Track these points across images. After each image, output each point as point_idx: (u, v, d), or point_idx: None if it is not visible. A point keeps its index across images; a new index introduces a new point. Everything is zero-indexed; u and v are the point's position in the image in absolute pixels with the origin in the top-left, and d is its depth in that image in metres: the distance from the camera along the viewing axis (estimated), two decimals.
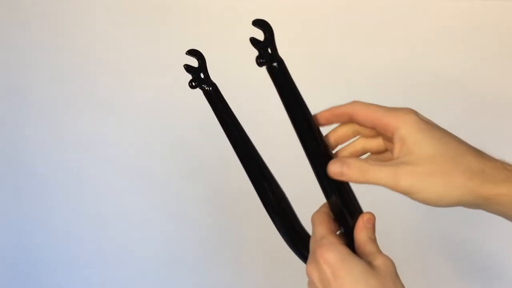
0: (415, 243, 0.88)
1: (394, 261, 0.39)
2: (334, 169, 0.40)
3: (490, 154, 0.39)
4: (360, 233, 0.41)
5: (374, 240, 0.41)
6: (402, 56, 0.82)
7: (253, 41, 0.42)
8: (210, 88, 0.45)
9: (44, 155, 1.01)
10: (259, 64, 0.43)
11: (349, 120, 0.43)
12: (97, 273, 1.06)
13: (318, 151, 0.43)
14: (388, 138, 0.42)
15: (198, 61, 0.44)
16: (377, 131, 0.43)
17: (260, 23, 0.42)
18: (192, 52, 0.44)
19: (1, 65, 0.98)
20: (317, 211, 0.44)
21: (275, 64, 0.43)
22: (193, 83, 0.44)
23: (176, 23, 0.90)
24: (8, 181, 1.04)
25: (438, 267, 0.87)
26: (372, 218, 0.42)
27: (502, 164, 0.38)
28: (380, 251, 0.40)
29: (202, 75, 0.45)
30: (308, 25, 0.83)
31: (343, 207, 0.43)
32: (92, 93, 0.95)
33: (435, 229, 0.86)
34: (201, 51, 0.43)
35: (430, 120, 0.41)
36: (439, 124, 0.41)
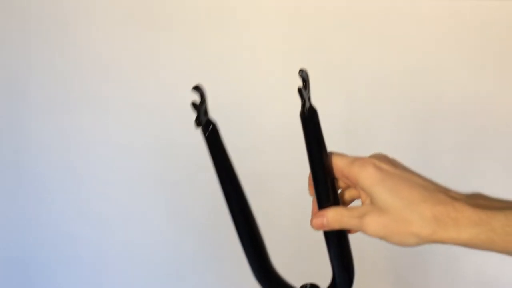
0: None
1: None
2: (316, 223, 0.45)
3: (445, 191, 0.42)
4: None
5: None
6: (402, 56, 0.82)
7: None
8: (210, 128, 0.44)
9: (44, 155, 1.01)
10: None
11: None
12: (96, 273, 1.06)
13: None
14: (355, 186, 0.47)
15: (201, 99, 0.43)
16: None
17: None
18: (196, 89, 0.43)
19: (0, 65, 0.98)
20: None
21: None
22: (199, 122, 0.43)
23: (177, 24, 0.90)
24: (8, 180, 1.04)
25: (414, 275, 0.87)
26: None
27: (453, 207, 0.40)
28: None
29: (203, 114, 0.44)
30: (308, 25, 0.83)
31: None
32: (93, 93, 0.94)
33: None
34: (203, 88, 0.43)
35: (388, 167, 0.44)
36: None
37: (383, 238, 0.42)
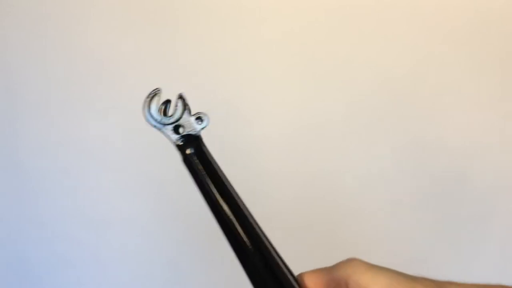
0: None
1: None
2: None
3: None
4: None
5: None
6: (403, 56, 0.82)
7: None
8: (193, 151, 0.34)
9: (41, 156, 1.00)
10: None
11: None
12: (93, 275, 1.06)
13: None
14: None
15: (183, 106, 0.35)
16: None
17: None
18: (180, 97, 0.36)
19: None
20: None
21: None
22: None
23: (177, 24, 0.90)
24: (4, 181, 1.04)
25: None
26: None
27: None
28: None
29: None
30: (308, 25, 0.83)
31: None
32: (92, 94, 0.94)
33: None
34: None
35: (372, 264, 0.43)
36: None
37: None
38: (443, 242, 0.85)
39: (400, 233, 0.88)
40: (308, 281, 0.44)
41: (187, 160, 0.34)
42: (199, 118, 0.34)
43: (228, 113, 0.86)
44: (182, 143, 0.34)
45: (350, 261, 0.43)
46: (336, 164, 0.88)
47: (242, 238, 0.35)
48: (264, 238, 0.36)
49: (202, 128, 0.34)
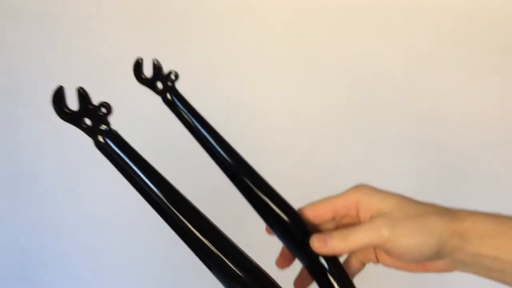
0: None
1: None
2: (318, 242, 0.40)
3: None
4: None
5: None
6: (403, 55, 0.82)
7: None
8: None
9: (41, 156, 1.00)
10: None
11: (312, 220, 0.44)
12: (93, 275, 1.05)
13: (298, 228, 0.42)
14: (351, 217, 0.43)
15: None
16: (337, 217, 0.44)
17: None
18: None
19: None
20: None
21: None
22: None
23: (177, 24, 0.90)
24: (4, 181, 1.04)
25: None
26: None
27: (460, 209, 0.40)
28: None
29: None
30: (308, 24, 0.83)
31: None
32: (91, 94, 0.94)
33: None
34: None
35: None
36: None
37: (398, 238, 0.38)
38: None
39: None
40: (309, 213, 0.43)
41: (98, 146, 0.36)
42: (102, 106, 0.36)
43: (228, 112, 0.86)
44: (92, 130, 0.35)
45: (358, 187, 0.43)
46: (337, 163, 0.88)
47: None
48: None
49: (107, 114, 0.36)
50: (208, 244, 0.37)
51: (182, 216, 0.38)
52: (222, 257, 0.36)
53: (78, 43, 0.93)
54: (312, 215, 0.43)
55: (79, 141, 0.98)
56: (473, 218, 0.38)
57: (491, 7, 0.78)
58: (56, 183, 1.02)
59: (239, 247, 0.37)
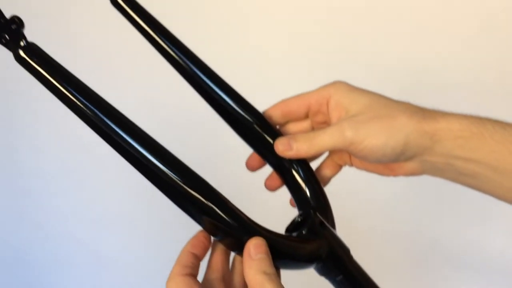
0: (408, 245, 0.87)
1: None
2: (282, 145, 0.39)
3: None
4: (249, 270, 0.31)
5: (270, 275, 0.31)
6: (404, 55, 0.82)
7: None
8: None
9: (41, 156, 1.00)
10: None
11: (284, 118, 0.43)
12: (92, 275, 1.05)
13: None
14: (323, 114, 0.42)
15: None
16: (310, 114, 0.43)
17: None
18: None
19: None
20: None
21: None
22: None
23: (176, 24, 0.89)
24: (4, 181, 1.04)
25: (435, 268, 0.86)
26: (262, 244, 0.32)
27: (437, 112, 0.38)
28: None
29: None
30: (311, 26, 0.83)
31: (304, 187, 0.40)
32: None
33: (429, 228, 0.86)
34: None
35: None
36: None
37: (363, 139, 0.37)
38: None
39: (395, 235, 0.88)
40: (282, 109, 0.42)
41: (18, 60, 0.35)
42: (12, 21, 0.34)
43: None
44: (11, 45, 0.34)
45: (334, 83, 0.42)
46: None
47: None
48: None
49: (18, 28, 0.34)
50: (143, 152, 0.34)
51: (116, 126, 0.34)
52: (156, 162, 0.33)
53: (78, 42, 0.93)
54: (285, 111, 0.42)
55: (80, 141, 0.98)
56: (449, 119, 0.37)
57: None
58: (56, 182, 1.02)
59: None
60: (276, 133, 0.42)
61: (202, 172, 0.34)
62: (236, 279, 0.36)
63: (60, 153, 0.99)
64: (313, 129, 0.44)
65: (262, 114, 0.42)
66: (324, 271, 0.37)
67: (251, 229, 0.33)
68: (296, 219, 0.39)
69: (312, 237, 0.36)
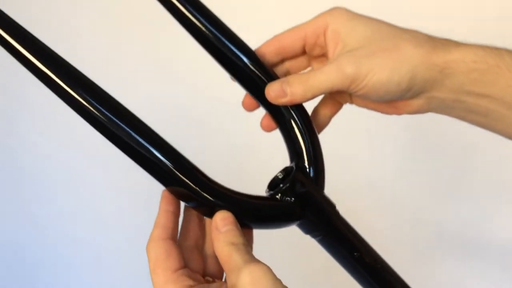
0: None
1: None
2: (274, 92, 0.35)
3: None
4: (217, 243, 0.31)
5: (238, 245, 0.31)
6: None
7: None
8: None
9: (41, 156, 1.00)
10: None
11: (279, 55, 0.39)
12: (92, 275, 1.05)
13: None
14: (321, 47, 0.37)
15: None
16: (307, 48, 0.38)
17: None
18: None
19: None
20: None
21: None
22: None
23: (176, 25, 0.89)
24: (4, 181, 1.04)
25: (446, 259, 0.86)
26: (228, 217, 0.32)
27: (447, 40, 0.34)
28: (248, 260, 0.30)
29: None
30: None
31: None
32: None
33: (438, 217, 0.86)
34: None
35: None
36: None
37: (365, 75, 0.32)
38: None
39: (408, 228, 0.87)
40: (276, 45, 0.37)
41: None
42: None
43: (229, 112, 0.86)
44: None
45: (332, 9, 0.36)
46: (338, 160, 0.88)
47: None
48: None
49: None
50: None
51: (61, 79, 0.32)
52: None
53: (78, 42, 0.93)
54: (279, 46, 0.37)
55: (80, 141, 0.98)
56: (464, 49, 0.33)
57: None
58: (56, 182, 1.02)
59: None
60: (269, 74, 0.38)
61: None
62: (208, 246, 0.35)
63: (60, 153, 0.99)
64: (310, 65, 0.39)
65: (254, 53, 0.38)
66: (307, 229, 0.36)
67: (220, 194, 0.33)
68: (278, 175, 0.37)
69: (290, 195, 0.35)
